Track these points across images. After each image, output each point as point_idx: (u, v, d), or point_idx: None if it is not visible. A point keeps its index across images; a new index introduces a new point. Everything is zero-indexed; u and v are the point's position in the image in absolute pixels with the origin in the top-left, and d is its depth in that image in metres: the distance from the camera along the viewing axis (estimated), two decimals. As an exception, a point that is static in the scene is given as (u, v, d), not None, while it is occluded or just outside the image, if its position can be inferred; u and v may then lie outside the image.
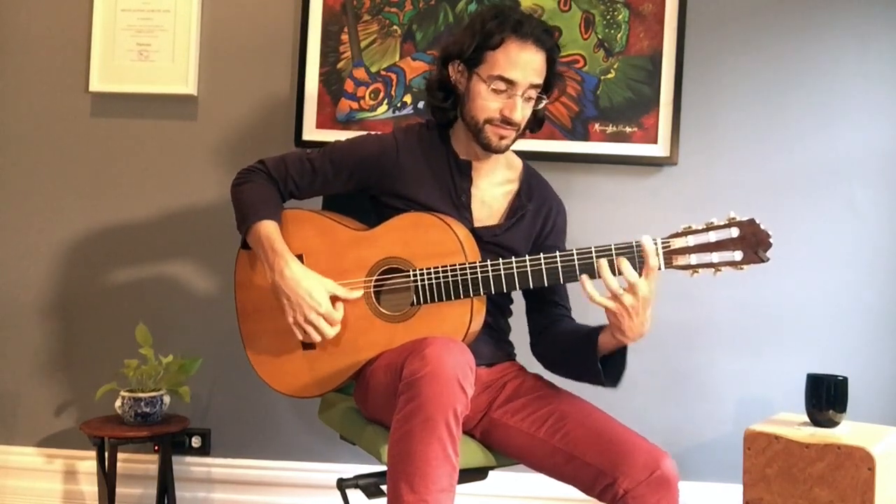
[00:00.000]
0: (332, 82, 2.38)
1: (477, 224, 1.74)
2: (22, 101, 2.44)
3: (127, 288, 2.43)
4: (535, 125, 1.78)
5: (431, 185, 1.73)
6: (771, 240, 1.44)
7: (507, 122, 1.66)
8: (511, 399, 1.70)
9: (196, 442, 2.40)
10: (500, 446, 1.69)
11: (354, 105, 2.37)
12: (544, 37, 1.66)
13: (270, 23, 2.41)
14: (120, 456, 2.20)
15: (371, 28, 2.38)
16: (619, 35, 2.34)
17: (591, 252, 1.53)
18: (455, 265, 1.60)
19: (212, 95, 2.42)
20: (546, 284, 1.57)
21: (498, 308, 1.78)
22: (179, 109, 2.42)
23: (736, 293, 2.33)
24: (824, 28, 2.35)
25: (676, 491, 1.48)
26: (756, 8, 2.36)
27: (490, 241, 1.72)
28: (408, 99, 2.37)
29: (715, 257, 1.47)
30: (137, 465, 2.40)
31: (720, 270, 1.47)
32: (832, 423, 1.97)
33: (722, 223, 1.47)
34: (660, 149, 2.33)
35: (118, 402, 2.17)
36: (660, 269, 1.49)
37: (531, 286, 1.58)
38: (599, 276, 1.50)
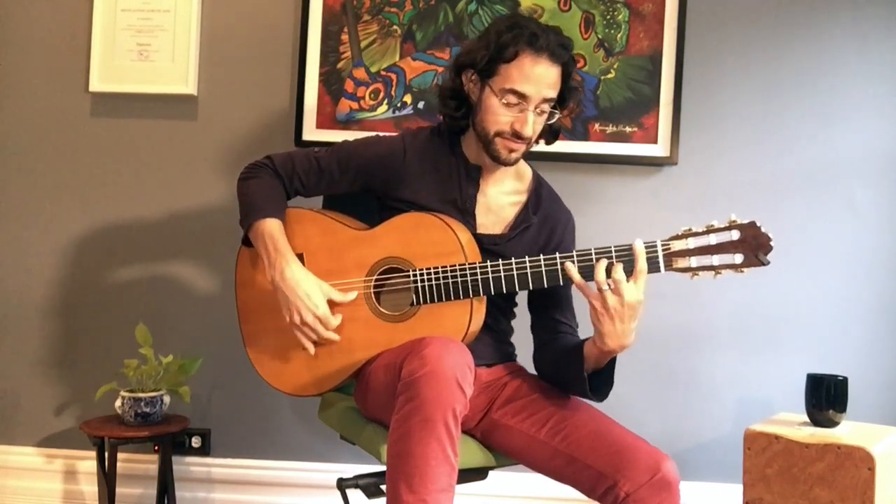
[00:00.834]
0: (332, 82, 2.38)
1: (480, 230, 1.73)
2: (22, 101, 2.44)
3: (127, 288, 2.43)
4: (551, 136, 1.75)
5: (437, 189, 1.72)
6: (772, 243, 1.44)
7: (517, 136, 1.64)
8: (511, 400, 1.70)
9: (196, 442, 2.40)
10: (501, 447, 1.69)
11: (354, 105, 2.37)
12: (559, 50, 1.62)
13: (270, 23, 2.41)
14: (120, 456, 2.20)
15: (371, 28, 2.37)
16: (619, 35, 2.34)
17: (591, 253, 1.53)
18: (455, 265, 1.60)
19: (212, 95, 2.42)
20: (546, 286, 1.57)
21: (499, 309, 1.78)
22: (179, 109, 2.42)
23: (736, 293, 2.33)
24: (824, 28, 2.35)
25: (678, 493, 1.48)
26: (756, 8, 2.36)
27: (490, 249, 1.71)
28: (408, 99, 2.37)
29: (715, 260, 1.47)
30: (137, 465, 2.40)
31: (720, 273, 1.47)
32: (832, 423, 1.97)
33: (722, 226, 1.47)
34: (660, 149, 2.33)
35: (118, 402, 2.17)
36: (660, 271, 1.49)
37: (531, 288, 1.58)
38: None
